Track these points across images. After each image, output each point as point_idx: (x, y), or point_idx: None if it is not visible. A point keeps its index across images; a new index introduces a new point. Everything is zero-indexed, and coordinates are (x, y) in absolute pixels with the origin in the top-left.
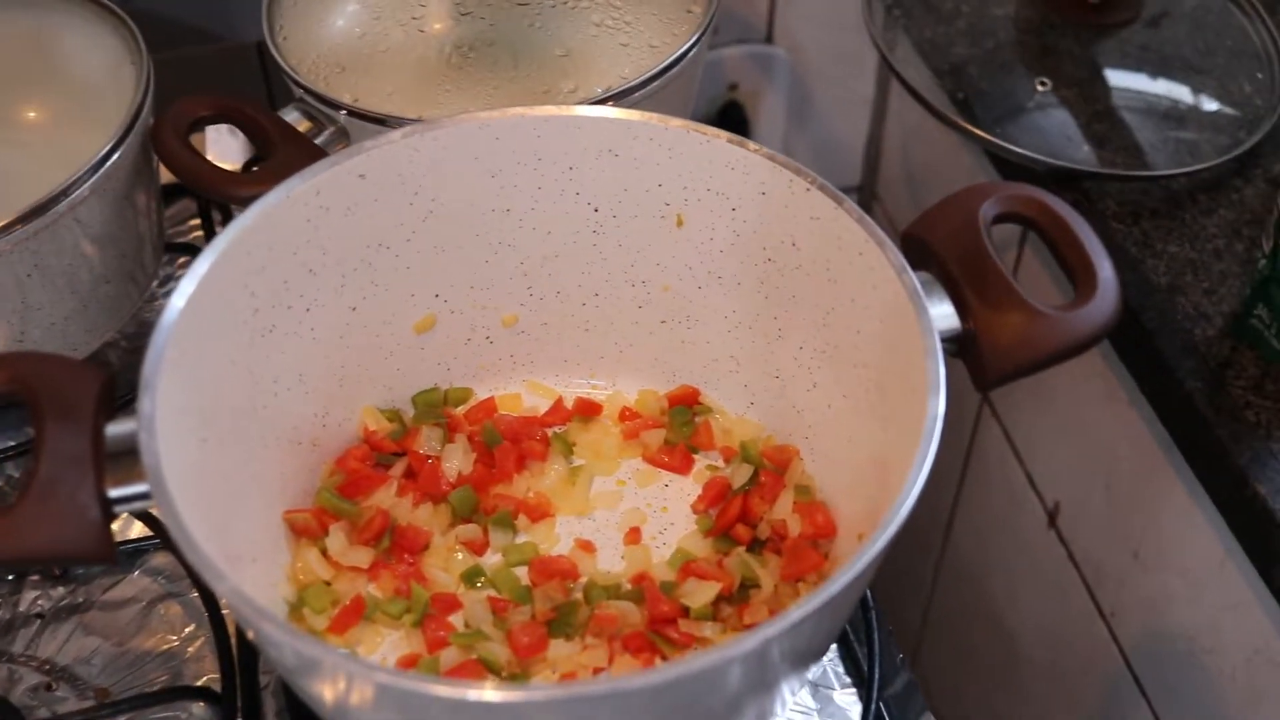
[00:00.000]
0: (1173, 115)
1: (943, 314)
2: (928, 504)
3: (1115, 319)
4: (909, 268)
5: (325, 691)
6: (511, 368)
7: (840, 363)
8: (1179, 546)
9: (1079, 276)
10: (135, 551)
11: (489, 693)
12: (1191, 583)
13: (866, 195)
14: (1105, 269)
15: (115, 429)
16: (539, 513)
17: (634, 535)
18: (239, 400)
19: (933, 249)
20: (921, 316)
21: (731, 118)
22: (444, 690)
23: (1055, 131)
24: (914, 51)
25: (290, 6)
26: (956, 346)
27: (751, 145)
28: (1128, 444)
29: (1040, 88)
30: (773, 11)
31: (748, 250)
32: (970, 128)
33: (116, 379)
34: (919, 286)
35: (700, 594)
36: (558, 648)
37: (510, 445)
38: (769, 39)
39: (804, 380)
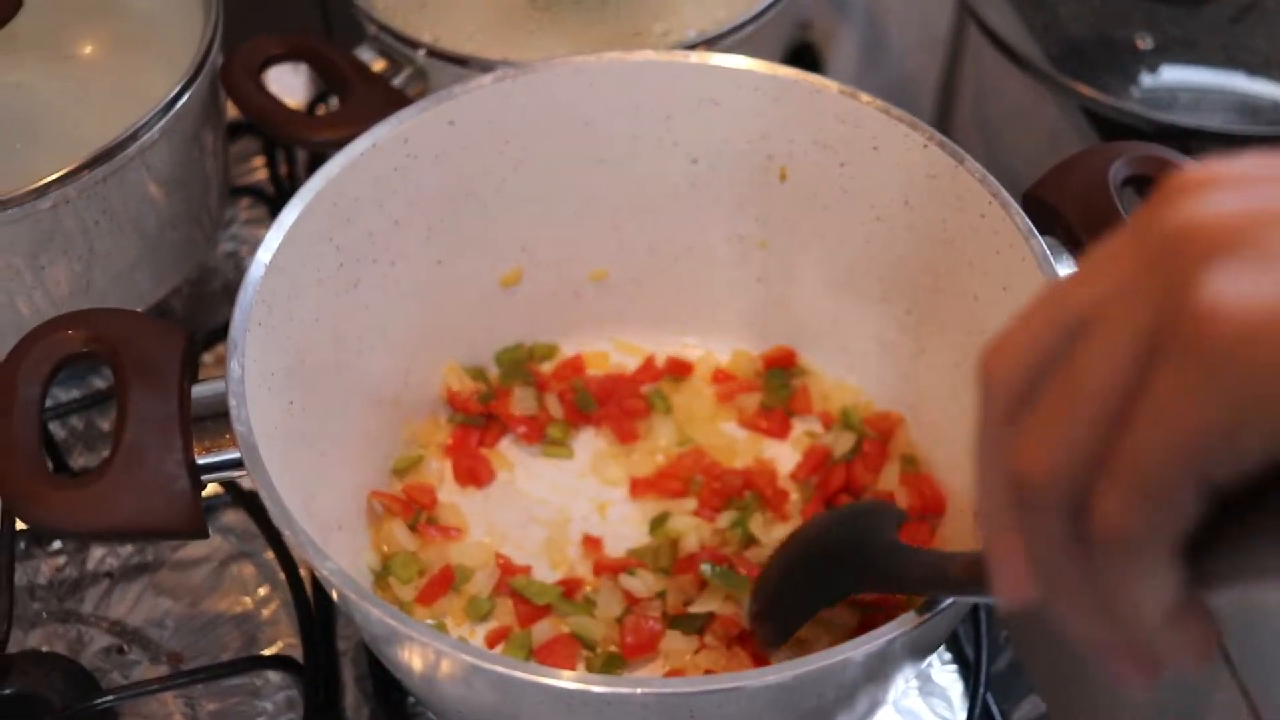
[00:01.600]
0: None
1: None
2: None
3: None
4: (1037, 231)
5: (415, 663)
6: (598, 325)
7: (953, 329)
8: None
9: None
10: (206, 509)
11: (598, 687)
12: None
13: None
14: None
15: (201, 390)
16: None
17: None
18: (324, 359)
19: (1059, 212)
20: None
21: (804, 58)
22: (552, 681)
23: (1157, 90)
24: (1003, 4)
25: None
26: None
27: (864, 97)
28: None
29: (1140, 44)
30: None
31: (855, 208)
32: (1072, 84)
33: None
34: (1049, 253)
35: None
36: (674, 640)
37: (615, 405)
38: None
39: (910, 345)
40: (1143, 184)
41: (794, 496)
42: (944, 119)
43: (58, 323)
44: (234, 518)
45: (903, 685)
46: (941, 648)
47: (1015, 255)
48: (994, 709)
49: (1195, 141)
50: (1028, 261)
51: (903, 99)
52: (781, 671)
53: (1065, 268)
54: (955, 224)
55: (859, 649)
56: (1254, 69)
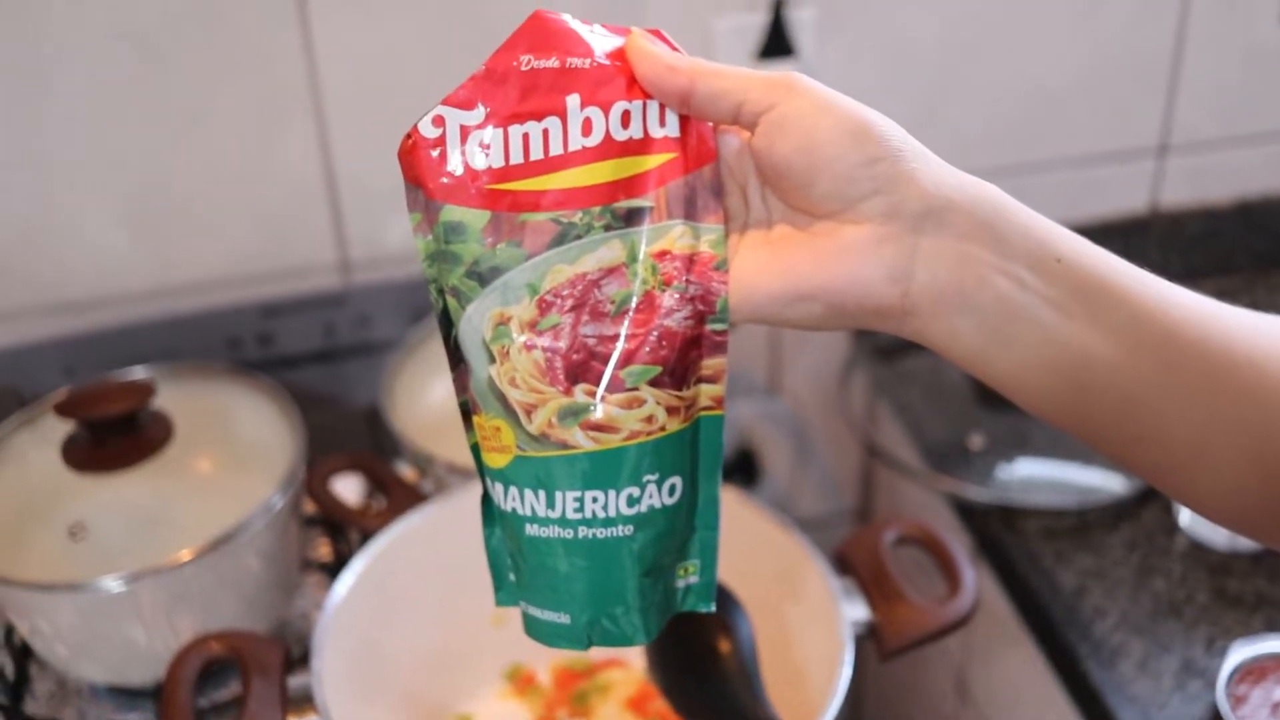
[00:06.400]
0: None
1: (856, 608)
2: None
3: (974, 608)
4: (833, 573)
5: None
6: None
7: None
8: None
9: (951, 578)
10: None
11: None
12: None
13: (867, 514)
14: (968, 574)
15: (295, 681)
16: None
17: None
18: (366, 664)
19: (852, 563)
20: (840, 609)
21: (744, 462)
22: None
23: (993, 475)
24: (889, 414)
25: (402, 384)
26: (867, 629)
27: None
28: None
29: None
30: (776, 370)
31: None
32: (942, 478)
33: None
34: (840, 587)
35: None
36: None
37: None
38: (774, 391)
39: None
40: (908, 543)
41: None
42: (868, 499)
43: (206, 636)
44: None
45: None
46: None
47: (819, 590)
48: None
49: (1024, 516)
50: (825, 594)
51: (833, 485)
52: None
53: (852, 600)
54: (786, 578)
55: None
56: (1066, 460)
